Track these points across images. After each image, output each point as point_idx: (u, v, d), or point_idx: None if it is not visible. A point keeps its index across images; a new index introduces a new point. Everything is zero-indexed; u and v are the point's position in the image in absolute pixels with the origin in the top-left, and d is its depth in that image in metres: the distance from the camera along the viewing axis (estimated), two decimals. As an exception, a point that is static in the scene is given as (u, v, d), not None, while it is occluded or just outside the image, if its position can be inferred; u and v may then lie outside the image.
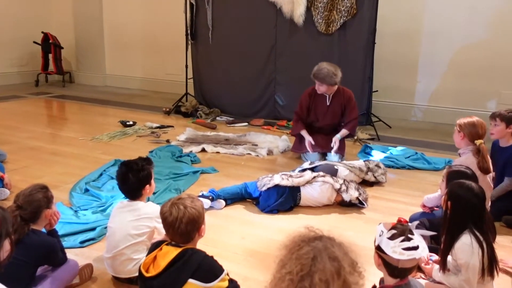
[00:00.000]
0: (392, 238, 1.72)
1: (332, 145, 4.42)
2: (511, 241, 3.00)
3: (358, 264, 1.34)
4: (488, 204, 2.85)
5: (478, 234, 2.11)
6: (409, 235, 1.72)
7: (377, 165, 4.01)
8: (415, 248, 1.69)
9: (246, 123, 6.08)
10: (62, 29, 8.97)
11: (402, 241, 1.70)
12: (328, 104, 4.51)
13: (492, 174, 3.00)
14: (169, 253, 1.93)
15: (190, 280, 1.87)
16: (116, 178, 2.49)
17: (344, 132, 4.50)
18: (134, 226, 2.37)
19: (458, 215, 2.16)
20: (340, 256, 1.29)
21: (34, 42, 8.55)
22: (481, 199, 2.16)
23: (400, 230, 1.74)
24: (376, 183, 3.97)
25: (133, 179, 2.39)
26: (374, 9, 5.51)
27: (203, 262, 1.93)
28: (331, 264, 1.26)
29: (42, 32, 8.55)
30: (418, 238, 1.73)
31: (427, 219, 2.80)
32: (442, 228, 2.22)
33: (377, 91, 6.02)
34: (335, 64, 4.50)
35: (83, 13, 8.87)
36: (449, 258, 2.18)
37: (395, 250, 1.69)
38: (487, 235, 2.15)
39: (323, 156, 4.53)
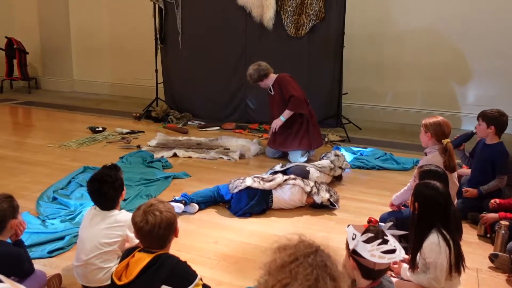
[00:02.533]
0: (368, 241, 1.73)
1: (271, 129, 4.64)
2: (477, 237, 3.10)
3: (345, 277, 1.37)
4: (455, 201, 2.94)
5: (445, 233, 2.16)
6: (385, 237, 1.74)
7: (336, 154, 4.11)
8: (394, 251, 1.71)
9: (217, 127, 6.07)
10: (26, 33, 8.73)
11: (380, 244, 1.71)
12: (272, 94, 4.72)
13: (456, 173, 3.09)
14: (142, 259, 1.90)
15: (164, 287, 1.85)
16: (89, 194, 2.41)
17: (286, 112, 4.57)
18: (105, 234, 2.32)
19: (425, 215, 2.21)
20: (337, 275, 1.31)
21: (-2, 47, 8.30)
22: (446, 198, 2.22)
23: (375, 233, 1.76)
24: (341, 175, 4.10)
25: (110, 192, 2.36)
26: (342, 13, 5.61)
27: (176, 268, 1.92)
28: (332, 285, 1.29)
29: (6, 37, 8.29)
30: (392, 239, 1.76)
31: (395, 218, 2.86)
32: (410, 228, 2.27)
33: (346, 93, 6.12)
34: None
35: (48, 17, 8.65)
36: (418, 256, 2.23)
37: (374, 253, 1.70)
38: (454, 233, 2.21)
39: (284, 155, 4.72)
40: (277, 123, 4.62)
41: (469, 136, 3.58)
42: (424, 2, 6.20)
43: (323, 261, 1.32)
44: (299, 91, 4.57)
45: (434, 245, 2.14)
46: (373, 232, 1.76)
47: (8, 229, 2.15)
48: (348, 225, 1.83)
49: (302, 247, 1.35)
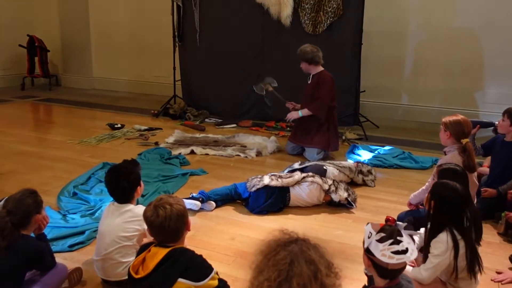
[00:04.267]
0: (381, 240, 1.72)
1: (286, 118, 4.70)
2: (498, 238, 3.05)
3: (334, 265, 1.34)
4: (474, 201, 2.90)
5: (456, 233, 2.13)
6: (398, 238, 1.73)
7: (369, 171, 4.05)
8: (405, 251, 1.70)
9: (234, 125, 6.08)
10: (48, 31, 8.88)
11: (391, 244, 1.71)
12: (308, 82, 4.70)
13: (476, 173, 3.04)
14: (158, 253, 1.93)
15: (180, 280, 1.88)
16: (106, 184, 2.49)
17: (305, 110, 4.59)
18: (123, 228, 2.37)
19: (440, 214, 2.19)
20: (317, 259, 1.29)
21: (20, 45, 8.45)
22: (464, 201, 2.17)
23: (389, 232, 1.75)
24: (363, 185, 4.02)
25: (124, 183, 2.41)
26: (360, 10, 5.56)
27: (192, 261, 1.94)
28: (308, 268, 1.27)
29: (28, 35, 8.46)
30: (407, 240, 1.74)
31: (413, 217, 2.84)
32: (425, 226, 2.26)
33: (364, 91, 6.07)
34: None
35: (69, 15, 8.79)
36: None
37: (384, 253, 1.70)
38: (468, 236, 2.17)
39: (303, 150, 4.76)
40: (293, 115, 4.66)
41: (488, 124, 3.52)
42: (444, -2, 6.12)
43: (301, 248, 1.31)
44: (329, 96, 4.56)
45: (440, 243, 2.12)
46: (387, 232, 1.75)
47: (32, 223, 2.20)
48: (367, 223, 1.83)
49: (283, 239, 1.36)
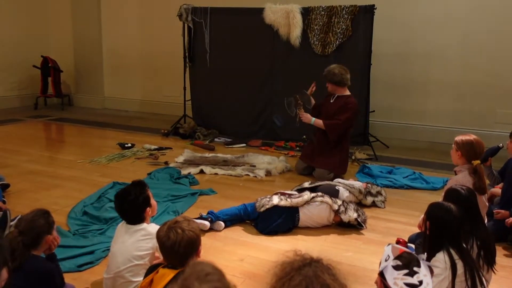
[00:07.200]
0: (396, 268, 1.69)
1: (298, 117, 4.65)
2: None
3: (347, 286, 1.33)
4: (485, 221, 2.85)
5: (453, 254, 2.10)
6: (415, 268, 1.69)
7: (379, 192, 4.02)
8: (417, 285, 1.66)
9: (244, 144, 6.10)
10: (61, 52, 9.06)
11: (406, 275, 1.67)
12: (331, 101, 4.64)
13: (490, 193, 3.00)
14: (165, 275, 1.93)
15: (188, 303, 1.86)
16: (115, 209, 2.52)
17: (320, 122, 4.56)
18: (136, 247, 2.38)
19: (435, 235, 2.17)
20: (331, 284, 1.28)
21: (34, 66, 8.62)
22: (458, 221, 2.14)
23: (406, 261, 1.71)
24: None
25: (131, 208, 2.43)
26: (369, 31, 5.61)
27: None
28: None
29: (42, 56, 8.63)
30: (423, 272, 1.70)
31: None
32: (422, 247, 2.23)
33: (373, 111, 6.07)
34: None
35: (82, 37, 8.97)
36: None
37: (397, 282, 1.66)
38: (467, 256, 2.13)
39: (313, 169, 4.76)
40: (307, 118, 4.61)
41: (495, 150, 3.49)
42: (454, 19, 6.14)
43: (315, 272, 1.29)
44: (348, 123, 4.56)
45: (437, 262, 2.09)
46: (405, 260, 1.72)
47: (43, 244, 2.21)
48: (388, 244, 1.80)
49: (296, 262, 1.34)
